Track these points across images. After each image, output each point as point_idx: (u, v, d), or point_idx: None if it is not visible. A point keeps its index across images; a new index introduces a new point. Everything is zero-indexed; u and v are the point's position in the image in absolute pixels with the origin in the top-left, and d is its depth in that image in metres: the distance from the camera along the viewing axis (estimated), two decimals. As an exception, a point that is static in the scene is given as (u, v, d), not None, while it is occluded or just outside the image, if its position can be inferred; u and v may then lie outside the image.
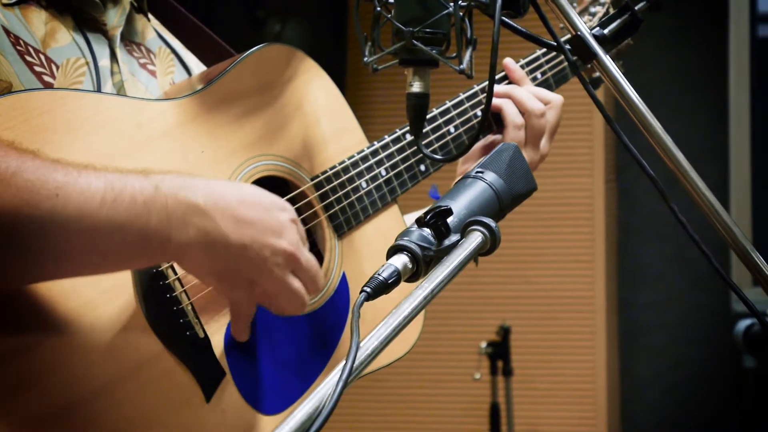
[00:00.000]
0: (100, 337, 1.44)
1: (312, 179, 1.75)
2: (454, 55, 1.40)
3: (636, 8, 1.46)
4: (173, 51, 1.83)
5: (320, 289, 1.57)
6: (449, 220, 1.26)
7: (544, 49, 2.04)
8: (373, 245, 1.81)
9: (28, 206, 1.30)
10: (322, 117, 1.81)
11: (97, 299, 1.45)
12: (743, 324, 4.56)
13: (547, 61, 2.04)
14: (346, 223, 1.78)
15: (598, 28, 1.44)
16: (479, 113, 1.93)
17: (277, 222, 1.49)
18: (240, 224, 1.45)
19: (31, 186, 1.30)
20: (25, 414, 1.37)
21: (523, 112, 1.91)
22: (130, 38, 1.73)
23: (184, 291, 1.55)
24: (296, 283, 1.52)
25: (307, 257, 1.53)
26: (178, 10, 1.86)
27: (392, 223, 1.84)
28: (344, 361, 1.07)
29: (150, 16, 1.82)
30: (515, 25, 1.43)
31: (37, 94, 1.48)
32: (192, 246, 1.42)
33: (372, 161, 1.83)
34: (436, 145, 1.89)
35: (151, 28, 1.81)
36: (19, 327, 1.38)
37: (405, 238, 1.24)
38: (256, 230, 1.46)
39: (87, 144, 1.49)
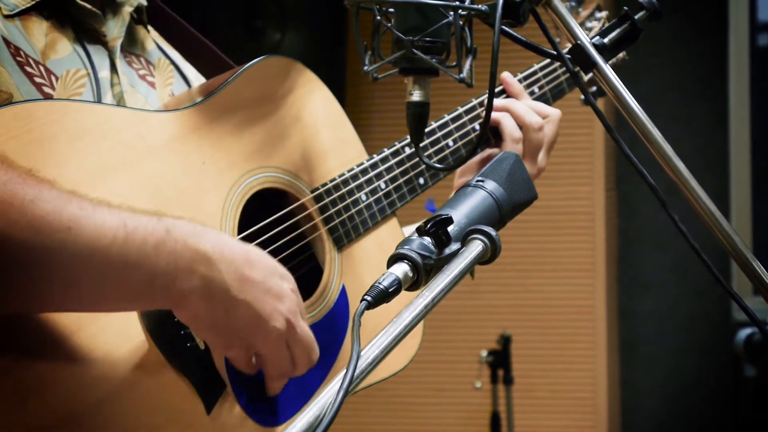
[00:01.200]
0: (102, 348, 1.43)
1: (312, 191, 1.75)
2: (454, 64, 1.40)
3: (636, 18, 1.45)
4: (172, 62, 1.83)
5: (313, 362, 1.55)
6: (449, 228, 1.26)
7: (542, 64, 2.04)
8: (372, 258, 1.81)
9: (40, 236, 1.29)
10: (322, 129, 1.81)
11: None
12: (744, 333, 4.55)
13: (545, 76, 2.04)
14: (345, 235, 1.78)
15: (598, 38, 1.44)
16: (477, 127, 1.93)
17: (279, 287, 1.49)
18: (244, 282, 1.44)
19: (45, 216, 1.29)
20: (27, 425, 1.37)
21: (521, 125, 1.91)
22: (129, 49, 1.74)
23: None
24: (285, 353, 1.52)
25: (303, 328, 1.52)
26: (177, 22, 1.86)
27: (391, 236, 1.84)
28: (345, 370, 1.07)
29: (149, 27, 1.82)
30: (515, 34, 1.42)
31: (40, 105, 1.48)
32: (194, 294, 1.41)
33: (372, 174, 1.83)
34: (434, 159, 1.89)
35: (150, 40, 1.81)
36: (22, 338, 1.38)
37: (405, 247, 1.24)
38: (259, 290, 1.46)
39: (89, 154, 1.49)
